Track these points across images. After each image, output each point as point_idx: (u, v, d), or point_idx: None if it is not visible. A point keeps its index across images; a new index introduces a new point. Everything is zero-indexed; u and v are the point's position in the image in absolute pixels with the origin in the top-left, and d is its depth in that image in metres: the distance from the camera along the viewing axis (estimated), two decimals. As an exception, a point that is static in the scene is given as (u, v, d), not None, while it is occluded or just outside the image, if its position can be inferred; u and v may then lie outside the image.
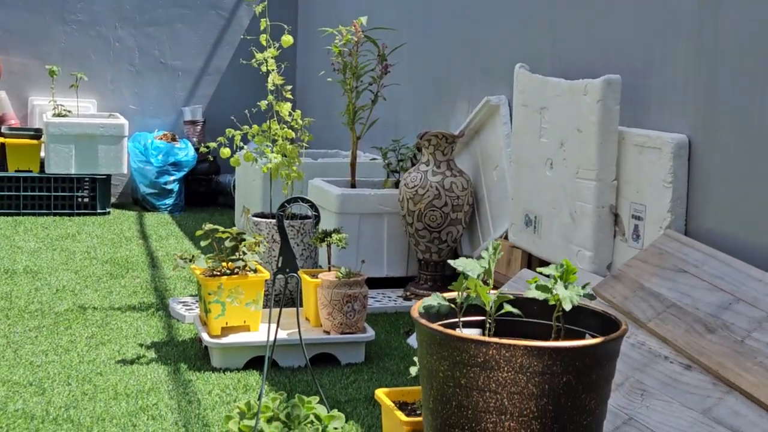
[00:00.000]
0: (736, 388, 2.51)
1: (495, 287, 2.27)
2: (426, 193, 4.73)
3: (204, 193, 7.95)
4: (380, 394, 2.70)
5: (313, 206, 2.30)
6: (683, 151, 3.31)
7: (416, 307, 2.23)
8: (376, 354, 3.98)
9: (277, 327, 2.32)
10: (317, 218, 2.34)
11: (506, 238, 4.33)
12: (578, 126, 3.63)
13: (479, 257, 2.25)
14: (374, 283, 4.97)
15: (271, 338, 2.36)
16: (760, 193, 3.00)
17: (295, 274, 2.22)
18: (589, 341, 2.06)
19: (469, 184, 4.82)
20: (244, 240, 3.84)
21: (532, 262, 4.12)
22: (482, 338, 2.05)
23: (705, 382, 2.60)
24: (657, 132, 3.42)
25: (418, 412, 2.63)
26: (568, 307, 2.09)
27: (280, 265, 2.21)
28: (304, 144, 4.44)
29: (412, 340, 4.16)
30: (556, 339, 2.21)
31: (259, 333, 3.83)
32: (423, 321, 2.15)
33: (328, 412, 2.33)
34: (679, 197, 3.30)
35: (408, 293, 4.90)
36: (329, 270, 4.01)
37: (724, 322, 2.71)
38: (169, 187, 7.57)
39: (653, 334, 2.85)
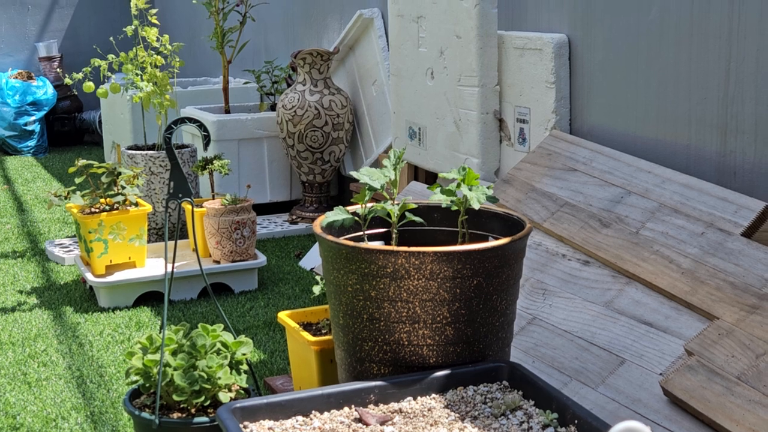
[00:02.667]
0: (635, 278, 2.55)
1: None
2: (305, 114, 4.62)
3: (68, 132, 7.62)
4: (283, 316, 2.63)
5: (201, 126, 2.18)
6: (564, 51, 3.31)
7: (318, 223, 2.16)
8: (270, 280, 3.91)
9: (174, 257, 2.22)
10: (207, 138, 2.22)
11: (390, 152, 4.29)
12: (457, 32, 3.58)
13: (380, 165, 2.19)
14: (258, 209, 4.88)
15: (169, 268, 2.25)
16: (642, 87, 3.03)
17: (189, 199, 2.11)
18: (498, 242, 2.03)
19: (348, 102, 4.73)
20: (122, 174, 3.67)
21: (418, 174, 4.09)
22: (391, 248, 2.00)
23: (604, 275, 2.63)
24: (536, 33, 3.41)
25: (323, 331, 2.58)
26: (476, 206, 2.06)
27: (171, 190, 2.10)
28: (175, 70, 4.26)
29: (305, 263, 4.10)
30: (462, 243, 2.19)
31: (147, 268, 3.70)
32: (328, 236, 2.09)
33: (235, 339, 2.25)
34: (562, 97, 3.31)
35: (294, 217, 4.82)
36: (213, 198, 3.89)
37: (618, 215, 2.75)
38: (29, 128, 7.21)
39: (549, 233, 2.87)
